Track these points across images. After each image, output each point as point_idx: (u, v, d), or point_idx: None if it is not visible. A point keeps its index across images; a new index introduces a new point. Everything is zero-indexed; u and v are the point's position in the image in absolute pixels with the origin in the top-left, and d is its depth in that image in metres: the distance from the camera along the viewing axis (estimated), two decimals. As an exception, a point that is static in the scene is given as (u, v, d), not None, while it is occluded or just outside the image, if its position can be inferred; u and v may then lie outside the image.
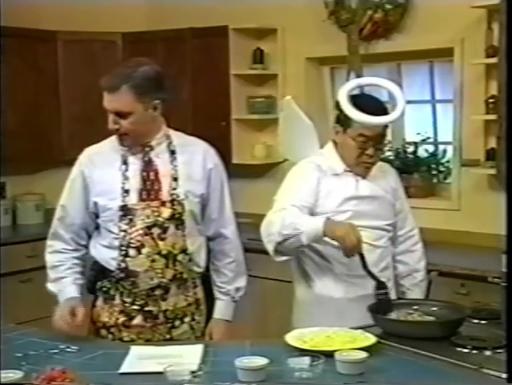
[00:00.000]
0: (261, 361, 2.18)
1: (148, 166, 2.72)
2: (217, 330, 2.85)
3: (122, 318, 2.73)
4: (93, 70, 5.23)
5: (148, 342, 2.69)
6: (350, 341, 2.39)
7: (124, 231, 2.68)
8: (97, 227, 2.78)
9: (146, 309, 2.72)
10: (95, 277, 2.78)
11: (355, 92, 2.94)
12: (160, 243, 2.69)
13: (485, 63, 4.25)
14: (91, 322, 2.81)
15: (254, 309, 4.67)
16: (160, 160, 2.74)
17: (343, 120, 2.86)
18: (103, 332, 2.76)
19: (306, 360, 2.19)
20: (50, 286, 2.76)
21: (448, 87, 4.77)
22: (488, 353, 2.32)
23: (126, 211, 2.68)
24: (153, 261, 2.68)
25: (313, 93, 5.17)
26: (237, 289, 2.90)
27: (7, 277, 4.86)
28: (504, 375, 2.07)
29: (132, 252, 2.68)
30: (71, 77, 5.44)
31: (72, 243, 2.78)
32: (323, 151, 3.00)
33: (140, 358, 2.39)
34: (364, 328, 2.54)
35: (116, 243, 2.70)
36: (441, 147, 5.00)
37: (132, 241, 2.68)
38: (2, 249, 4.91)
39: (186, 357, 2.35)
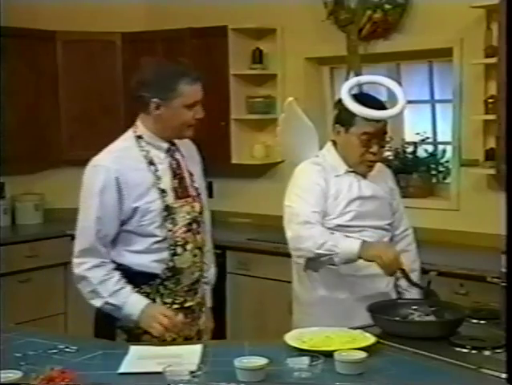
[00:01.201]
0: (260, 361, 2.19)
1: (177, 164, 2.78)
2: (210, 316, 2.96)
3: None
4: (92, 70, 5.25)
5: (186, 339, 2.72)
6: (349, 341, 2.39)
7: (171, 230, 2.70)
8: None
9: (186, 305, 2.77)
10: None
11: (354, 92, 2.95)
12: (198, 237, 2.79)
13: (485, 63, 4.25)
14: None
15: (254, 309, 4.67)
16: (180, 157, 2.80)
17: (344, 120, 2.87)
18: (146, 337, 2.66)
19: (306, 360, 2.19)
20: (110, 300, 2.62)
21: (447, 87, 4.76)
22: (487, 353, 2.33)
23: (169, 211, 2.70)
24: (195, 255, 2.77)
25: (312, 93, 5.17)
26: (213, 276, 3.01)
27: (6, 277, 4.84)
28: (503, 375, 2.07)
29: (179, 250, 2.72)
30: (71, 77, 5.42)
31: (107, 255, 2.68)
32: (323, 152, 3.00)
33: (139, 358, 2.39)
34: (364, 328, 2.54)
35: (157, 245, 2.69)
36: (441, 147, 5.00)
37: (177, 239, 2.72)
38: (1, 249, 4.90)
39: (185, 357, 2.35)
